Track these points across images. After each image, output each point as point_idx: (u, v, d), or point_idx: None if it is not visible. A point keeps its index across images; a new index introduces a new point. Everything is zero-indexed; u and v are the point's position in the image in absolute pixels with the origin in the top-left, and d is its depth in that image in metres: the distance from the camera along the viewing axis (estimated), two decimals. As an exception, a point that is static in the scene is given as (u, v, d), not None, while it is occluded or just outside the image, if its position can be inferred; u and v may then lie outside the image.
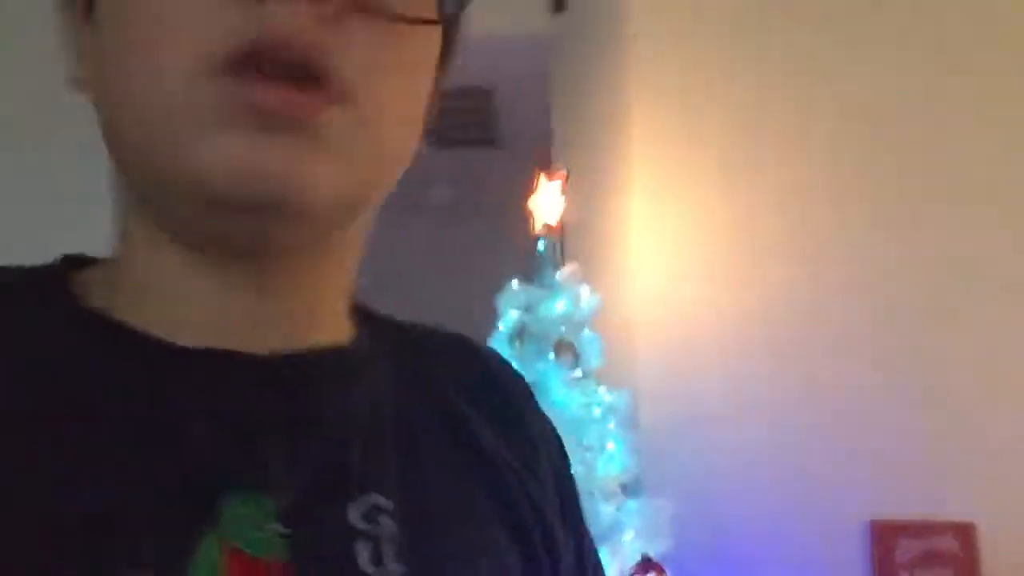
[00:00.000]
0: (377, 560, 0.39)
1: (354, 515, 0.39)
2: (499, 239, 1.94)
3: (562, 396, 1.74)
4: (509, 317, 1.82)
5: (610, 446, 1.72)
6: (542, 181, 1.92)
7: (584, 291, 1.83)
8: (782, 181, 2.14)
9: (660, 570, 1.67)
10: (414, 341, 0.48)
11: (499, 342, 1.80)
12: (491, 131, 2.48)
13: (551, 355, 1.76)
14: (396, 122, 0.40)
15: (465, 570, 0.41)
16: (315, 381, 0.41)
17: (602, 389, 1.77)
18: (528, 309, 1.80)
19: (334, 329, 0.44)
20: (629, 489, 1.74)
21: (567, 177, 1.92)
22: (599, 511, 1.68)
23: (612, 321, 1.92)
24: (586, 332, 1.81)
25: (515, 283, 1.83)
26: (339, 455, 0.40)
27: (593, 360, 1.79)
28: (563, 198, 1.89)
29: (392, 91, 0.39)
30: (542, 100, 2.38)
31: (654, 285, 2.10)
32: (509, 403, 0.49)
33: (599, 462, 1.71)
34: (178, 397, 0.38)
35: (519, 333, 1.80)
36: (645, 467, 1.77)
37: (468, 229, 2.73)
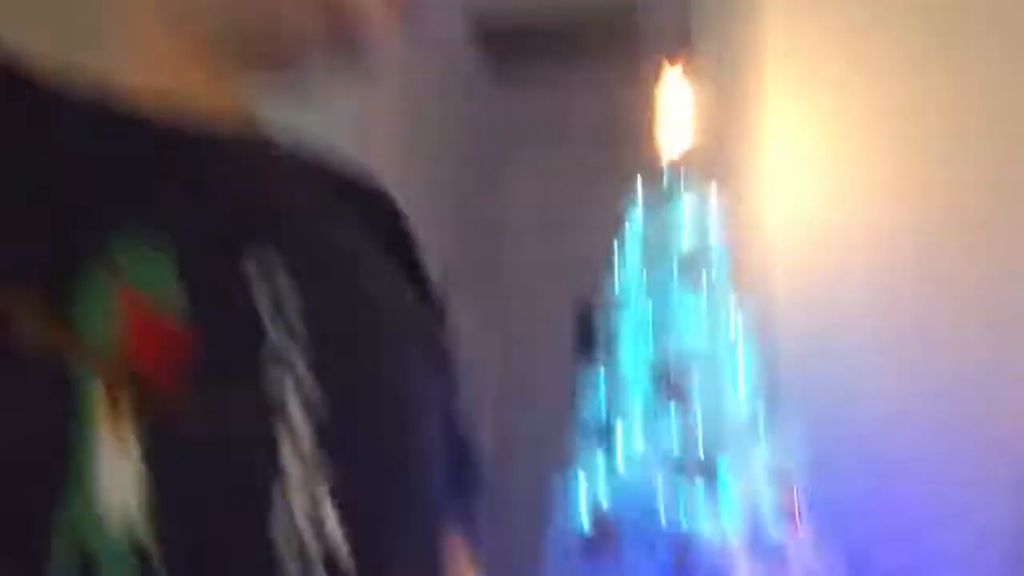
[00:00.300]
0: (278, 305, 0.36)
1: (249, 267, 0.36)
2: (629, 159, 1.93)
3: (694, 316, 1.74)
4: (637, 237, 1.83)
5: (740, 371, 1.71)
6: (674, 95, 1.88)
7: (714, 208, 1.80)
8: (933, 80, 1.99)
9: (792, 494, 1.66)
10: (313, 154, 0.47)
11: (630, 262, 1.82)
12: (630, 45, 2.44)
13: (680, 275, 1.76)
14: None
15: (367, 335, 0.39)
16: (212, 145, 0.39)
17: (735, 307, 1.76)
18: (655, 229, 1.80)
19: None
20: (764, 405, 1.74)
21: (700, 88, 1.88)
22: (734, 425, 1.69)
23: (747, 237, 1.89)
24: (718, 248, 1.79)
25: (642, 202, 1.83)
26: (238, 203, 0.38)
27: (724, 278, 1.77)
28: (695, 116, 1.86)
29: None
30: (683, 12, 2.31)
31: (789, 199, 2.03)
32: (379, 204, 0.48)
33: (731, 384, 1.71)
34: (68, 138, 0.35)
35: (648, 253, 1.81)
36: (781, 386, 1.76)
37: (600, 150, 2.71)
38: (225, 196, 0.38)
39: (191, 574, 0.30)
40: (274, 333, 0.35)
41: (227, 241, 0.36)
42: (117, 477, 0.30)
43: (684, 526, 1.55)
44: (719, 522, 1.56)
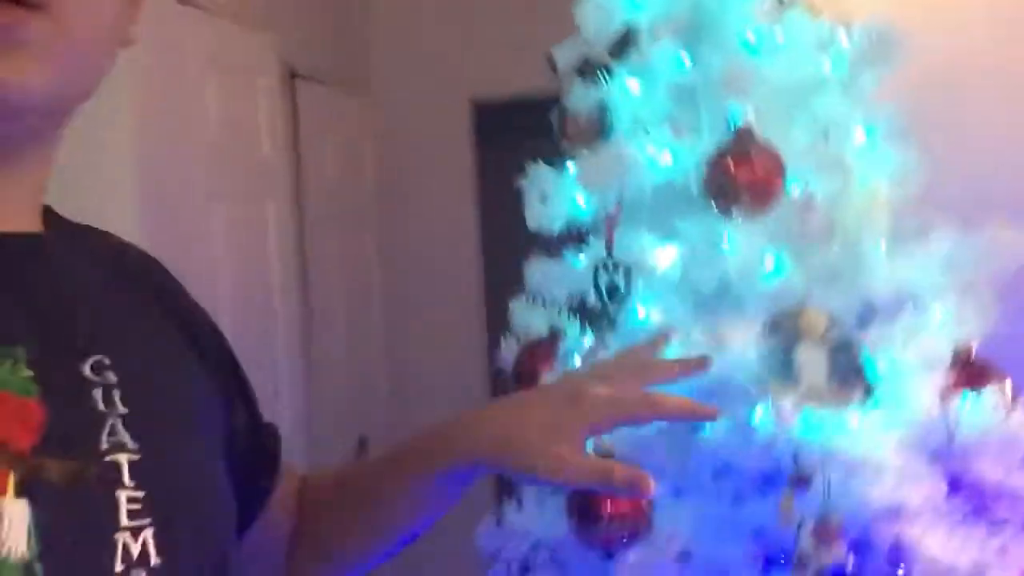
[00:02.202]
0: (108, 402, 0.52)
1: (86, 369, 0.52)
2: None
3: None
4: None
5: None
6: None
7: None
8: None
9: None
10: (91, 235, 0.62)
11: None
12: None
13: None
14: (91, 29, 0.50)
15: (171, 402, 0.57)
16: (32, 256, 0.54)
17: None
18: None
19: (31, 219, 0.56)
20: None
21: None
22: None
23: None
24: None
25: None
26: (67, 319, 0.53)
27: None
28: None
29: (83, 2, 0.49)
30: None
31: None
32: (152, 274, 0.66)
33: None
34: None
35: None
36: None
37: None
38: (58, 310, 0.53)
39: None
40: (103, 408, 0.51)
41: (69, 350, 0.52)
42: (13, 525, 0.46)
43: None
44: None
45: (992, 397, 0.92)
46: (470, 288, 2.71)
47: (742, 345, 0.91)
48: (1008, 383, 0.94)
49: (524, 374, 1.15)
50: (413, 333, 2.83)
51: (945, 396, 0.93)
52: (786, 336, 0.92)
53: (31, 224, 0.55)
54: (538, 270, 1.17)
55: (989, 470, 0.94)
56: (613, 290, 1.06)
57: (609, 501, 0.85)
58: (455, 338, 2.73)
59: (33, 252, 0.54)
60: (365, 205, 2.81)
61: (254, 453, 0.67)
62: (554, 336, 1.15)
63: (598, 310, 1.11)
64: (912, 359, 0.92)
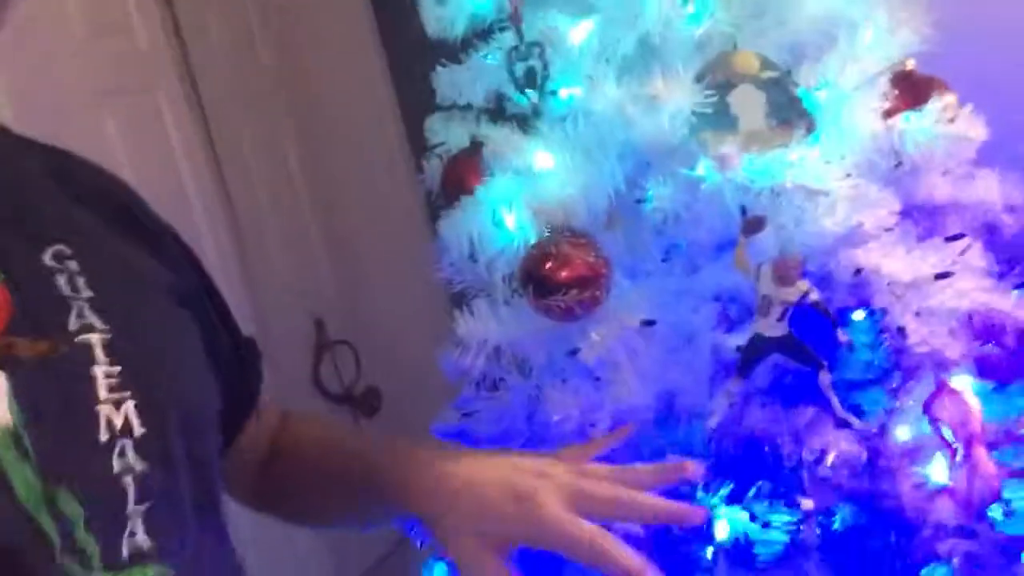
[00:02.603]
0: (73, 287, 0.52)
1: (46, 257, 0.53)
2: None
3: None
4: None
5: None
6: None
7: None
8: None
9: None
10: (38, 145, 0.62)
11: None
12: None
13: None
14: None
15: (138, 289, 0.58)
16: None
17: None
18: None
19: None
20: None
21: None
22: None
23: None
24: None
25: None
26: (24, 211, 0.54)
27: None
28: None
29: None
30: None
31: None
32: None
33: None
34: None
35: None
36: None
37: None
38: (12, 202, 0.54)
39: (49, 445, 0.47)
40: (68, 293, 0.52)
41: (28, 238, 0.53)
42: None
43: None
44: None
45: (935, 111, 0.88)
46: (384, 113, 2.56)
47: (675, 101, 0.85)
48: (950, 95, 0.91)
49: (453, 191, 1.08)
50: (339, 187, 2.69)
51: (888, 117, 0.89)
52: (719, 82, 0.86)
53: None
54: (447, 78, 1.09)
55: (939, 186, 0.92)
56: (531, 76, 0.99)
57: (563, 270, 0.80)
58: (380, 174, 2.61)
59: None
60: (263, 65, 2.64)
61: (236, 365, 0.68)
62: (476, 145, 1.08)
63: (519, 106, 1.04)
64: (849, 84, 0.87)
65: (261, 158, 2.54)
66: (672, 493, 0.92)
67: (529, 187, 0.95)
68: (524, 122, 1.04)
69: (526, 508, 0.62)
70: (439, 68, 1.10)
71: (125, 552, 0.49)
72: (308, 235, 2.68)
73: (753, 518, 0.87)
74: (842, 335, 0.78)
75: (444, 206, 1.08)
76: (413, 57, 1.29)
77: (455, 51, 1.10)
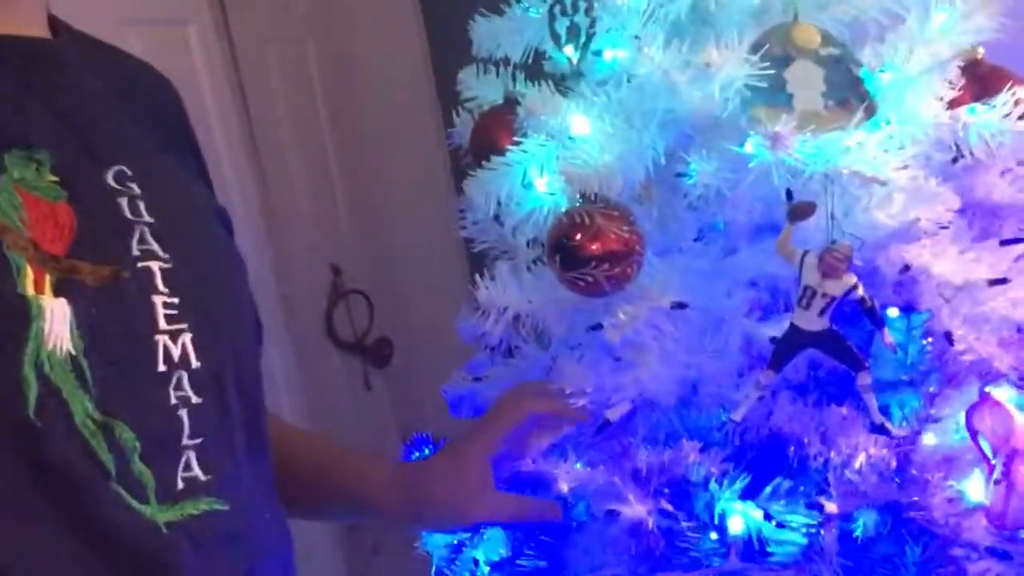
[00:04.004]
0: (135, 211, 0.52)
1: (109, 178, 0.52)
2: None
3: None
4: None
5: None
6: None
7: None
8: None
9: None
10: (99, 46, 0.61)
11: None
12: None
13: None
14: None
15: (195, 217, 0.58)
16: (48, 62, 0.52)
17: None
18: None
19: (42, 25, 0.54)
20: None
21: None
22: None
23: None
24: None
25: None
26: (87, 128, 0.53)
27: None
28: None
29: None
30: None
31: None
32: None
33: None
34: None
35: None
36: None
37: None
38: (77, 118, 0.53)
39: (108, 373, 0.49)
40: (131, 217, 0.53)
41: (91, 158, 0.52)
42: (55, 319, 0.47)
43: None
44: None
45: (1005, 105, 0.82)
46: (415, 61, 2.50)
47: (727, 72, 0.80)
48: (1022, 89, 0.85)
49: (482, 149, 1.03)
50: (365, 136, 2.66)
51: (951, 108, 0.83)
52: (775, 55, 0.81)
53: (41, 30, 0.54)
54: (485, 29, 1.04)
55: (997, 185, 0.86)
56: (574, 34, 0.93)
57: (593, 242, 0.76)
58: (408, 125, 2.56)
59: (48, 58, 0.53)
60: (298, 14, 2.58)
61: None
62: (510, 102, 1.03)
63: (558, 64, 0.99)
64: (915, 69, 0.81)
65: (288, 102, 2.49)
66: (682, 483, 0.89)
67: (563, 151, 0.90)
68: (562, 82, 0.99)
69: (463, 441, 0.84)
70: (477, 18, 1.04)
71: (180, 484, 0.49)
72: (332, 183, 2.64)
73: (768, 517, 0.84)
74: (888, 337, 0.73)
75: (472, 163, 1.03)
76: (449, 4, 1.25)
77: (495, 0, 1.05)
